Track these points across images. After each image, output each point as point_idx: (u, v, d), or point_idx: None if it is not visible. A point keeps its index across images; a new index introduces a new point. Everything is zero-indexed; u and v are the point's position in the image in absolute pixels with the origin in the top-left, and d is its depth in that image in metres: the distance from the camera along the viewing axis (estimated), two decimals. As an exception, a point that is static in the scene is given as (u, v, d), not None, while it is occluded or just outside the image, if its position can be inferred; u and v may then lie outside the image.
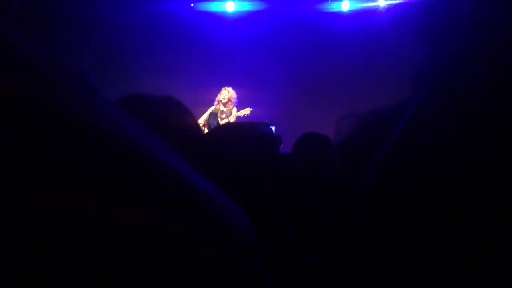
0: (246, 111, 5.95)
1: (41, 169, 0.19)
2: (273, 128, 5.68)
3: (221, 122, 5.77)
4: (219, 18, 7.35)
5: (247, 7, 7.26)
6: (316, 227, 1.65)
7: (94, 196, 0.20)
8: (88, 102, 0.24)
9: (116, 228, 0.20)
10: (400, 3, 6.80)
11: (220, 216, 0.25)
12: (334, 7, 7.12)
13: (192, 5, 7.22)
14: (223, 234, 0.24)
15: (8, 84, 0.20)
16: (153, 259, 0.20)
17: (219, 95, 6.02)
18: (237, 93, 6.13)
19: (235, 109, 5.98)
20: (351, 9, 7.11)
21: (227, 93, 5.95)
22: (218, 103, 5.98)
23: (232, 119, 5.88)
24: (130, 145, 0.23)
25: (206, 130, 5.42)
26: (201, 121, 5.83)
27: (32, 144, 0.19)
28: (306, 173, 2.13)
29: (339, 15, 7.13)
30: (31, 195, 0.18)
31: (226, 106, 5.94)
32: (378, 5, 7.00)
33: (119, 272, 0.19)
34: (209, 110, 5.98)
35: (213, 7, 7.30)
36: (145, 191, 0.22)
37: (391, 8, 6.88)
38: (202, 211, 0.24)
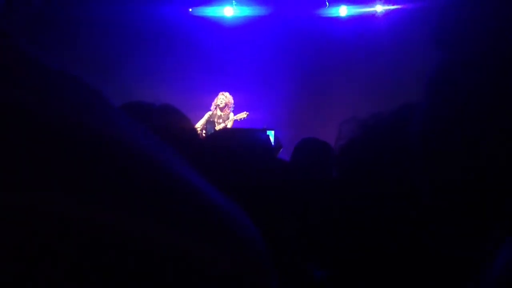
0: (243, 115, 5.97)
1: (46, 176, 0.19)
2: (273, 132, 5.68)
3: (218, 127, 5.78)
4: (217, 23, 7.36)
5: (245, 12, 7.28)
6: (316, 235, 1.64)
7: (100, 203, 0.19)
8: (92, 108, 0.24)
9: (121, 235, 0.19)
10: (397, 9, 6.82)
11: (228, 223, 0.24)
12: (332, 12, 7.14)
13: (190, 9, 7.23)
14: (233, 242, 0.24)
15: (10, 91, 0.20)
16: (159, 266, 0.20)
17: (216, 100, 6.05)
18: (236, 98, 6.15)
19: (232, 113, 6.00)
20: (349, 14, 7.13)
21: (224, 98, 5.98)
22: (215, 108, 6.00)
23: (229, 123, 5.89)
24: (137, 151, 0.23)
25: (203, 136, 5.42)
26: (199, 125, 5.85)
27: (37, 151, 0.19)
28: (306, 179, 2.12)
29: (337, 20, 7.15)
30: (36, 201, 0.18)
31: (223, 110, 5.97)
32: (375, 11, 7.02)
33: (125, 277, 0.19)
34: (206, 115, 6.00)
35: (211, 12, 7.31)
36: (150, 197, 0.21)
37: (388, 14, 6.91)
38: (209, 217, 0.24)
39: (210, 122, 5.85)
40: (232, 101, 6.07)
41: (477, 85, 0.36)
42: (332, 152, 2.35)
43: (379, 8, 6.97)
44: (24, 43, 0.24)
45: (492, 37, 0.36)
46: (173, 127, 0.95)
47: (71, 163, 0.20)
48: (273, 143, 4.90)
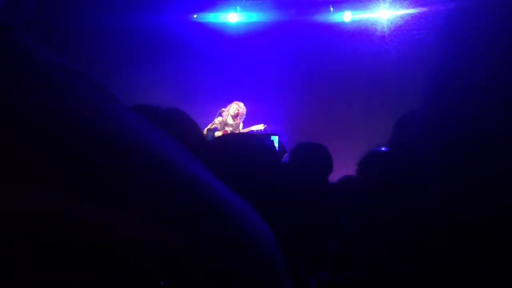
0: (260, 126, 5.94)
1: (54, 178, 0.18)
2: (277, 138, 5.67)
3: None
4: (222, 29, 7.39)
5: (249, 18, 7.31)
6: (311, 241, 1.64)
7: (111, 205, 0.19)
8: (104, 109, 0.23)
9: (134, 238, 0.19)
10: (401, 14, 6.82)
11: (243, 225, 0.24)
12: (336, 17, 7.15)
13: (195, 16, 7.27)
14: (247, 243, 0.23)
15: (21, 91, 0.20)
16: (169, 269, 0.19)
17: (229, 107, 6.03)
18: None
19: (241, 124, 5.99)
20: (353, 19, 7.13)
21: (237, 107, 5.96)
22: (227, 116, 5.98)
23: None
24: (150, 151, 0.23)
25: None
26: (206, 131, 5.85)
27: (46, 151, 0.19)
28: (302, 183, 2.11)
29: (341, 25, 7.16)
30: (44, 204, 0.17)
31: (234, 120, 5.96)
32: (379, 16, 7.02)
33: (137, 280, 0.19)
34: (217, 120, 5.98)
35: (216, 18, 7.35)
36: (164, 199, 0.21)
37: (392, 19, 6.90)
38: (224, 220, 0.23)
39: (210, 130, 5.81)
40: (245, 112, 6.04)
41: (477, 85, 0.36)
42: (328, 154, 2.36)
43: (383, 14, 6.97)
44: (32, 38, 0.24)
45: (492, 40, 0.36)
46: (180, 130, 0.95)
47: (75, 162, 0.19)
48: (277, 148, 4.89)
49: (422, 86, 0.45)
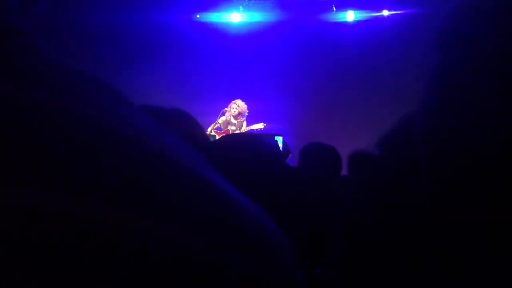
0: (259, 125, 5.96)
1: (66, 178, 0.18)
2: (281, 138, 5.68)
3: (232, 135, 5.77)
4: (224, 29, 7.40)
5: (252, 18, 7.32)
6: (314, 241, 1.64)
7: (123, 206, 0.19)
8: (117, 112, 0.23)
9: (141, 240, 0.18)
10: (404, 13, 6.82)
11: (257, 230, 0.23)
12: (340, 17, 7.15)
13: (197, 15, 7.28)
14: (262, 249, 0.22)
15: (35, 94, 0.20)
16: (182, 276, 0.19)
17: (229, 108, 6.05)
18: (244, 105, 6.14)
19: (245, 122, 6.00)
20: (356, 19, 7.13)
21: (236, 107, 5.99)
22: (230, 116, 6.01)
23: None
24: (156, 150, 0.22)
25: None
26: (209, 131, 5.88)
27: (58, 153, 0.18)
28: (312, 183, 2.12)
29: (344, 25, 7.16)
30: (49, 203, 0.17)
31: (236, 118, 5.98)
32: (382, 15, 7.02)
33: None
34: (220, 120, 6.01)
35: (218, 18, 7.36)
36: (175, 202, 0.20)
37: (395, 18, 6.90)
38: (236, 223, 0.22)
39: (210, 136, 5.82)
40: (245, 108, 6.06)
41: (477, 88, 0.36)
42: (338, 155, 2.37)
43: (386, 13, 6.97)
44: (43, 42, 0.24)
45: (491, 41, 0.37)
46: (184, 130, 0.94)
47: (88, 164, 0.19)
48: (281, 149, 4.89)
49: (423, 86, 0.45)
